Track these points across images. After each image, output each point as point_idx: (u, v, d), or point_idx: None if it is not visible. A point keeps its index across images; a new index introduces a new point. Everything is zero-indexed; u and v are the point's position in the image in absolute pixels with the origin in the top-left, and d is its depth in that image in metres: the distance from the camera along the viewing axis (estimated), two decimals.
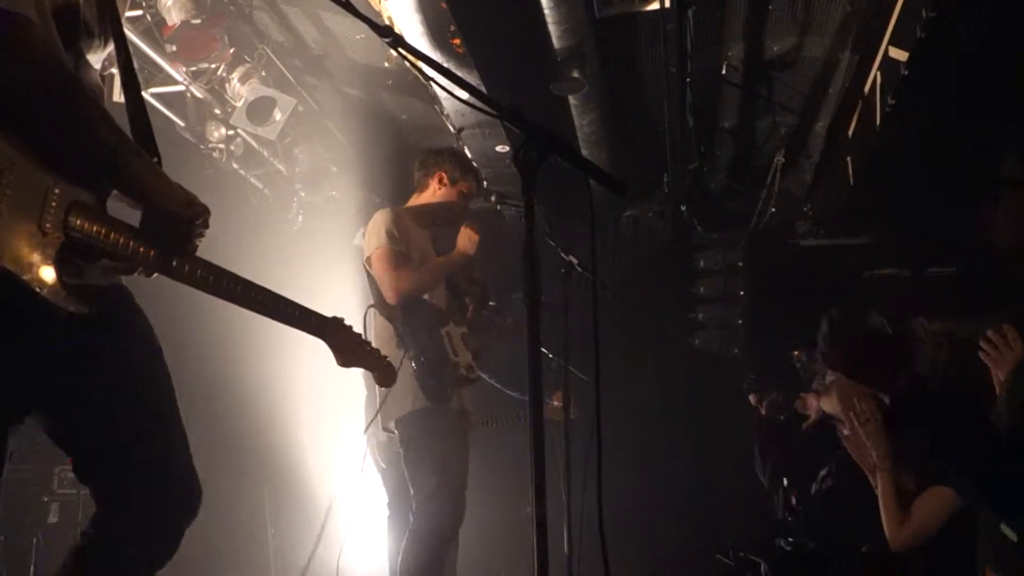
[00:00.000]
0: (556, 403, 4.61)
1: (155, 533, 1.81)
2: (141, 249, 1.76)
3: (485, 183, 4.07)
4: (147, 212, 1.79)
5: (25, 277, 1.54)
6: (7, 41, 1.55)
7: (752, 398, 4.88)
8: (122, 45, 1.92)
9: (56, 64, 1.65)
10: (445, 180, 3.84)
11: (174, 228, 1.79)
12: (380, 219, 3.66)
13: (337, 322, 2.12)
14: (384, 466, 3.79)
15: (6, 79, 1.56)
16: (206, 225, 1.85)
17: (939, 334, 3.55)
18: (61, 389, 1.74)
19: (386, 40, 1.81)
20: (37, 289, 1.56)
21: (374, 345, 3.52)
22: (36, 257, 1.56)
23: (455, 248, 3.76)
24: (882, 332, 1.92)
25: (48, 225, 1.60)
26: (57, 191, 1.62)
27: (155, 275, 1.86)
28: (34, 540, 4.72)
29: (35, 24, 1.60)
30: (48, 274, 1.57)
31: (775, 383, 4.75)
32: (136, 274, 1.86)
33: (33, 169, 1.59)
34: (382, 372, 2.25)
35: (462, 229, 3.78)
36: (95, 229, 1.68)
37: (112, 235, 1.71)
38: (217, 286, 1.88)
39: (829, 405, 3.60)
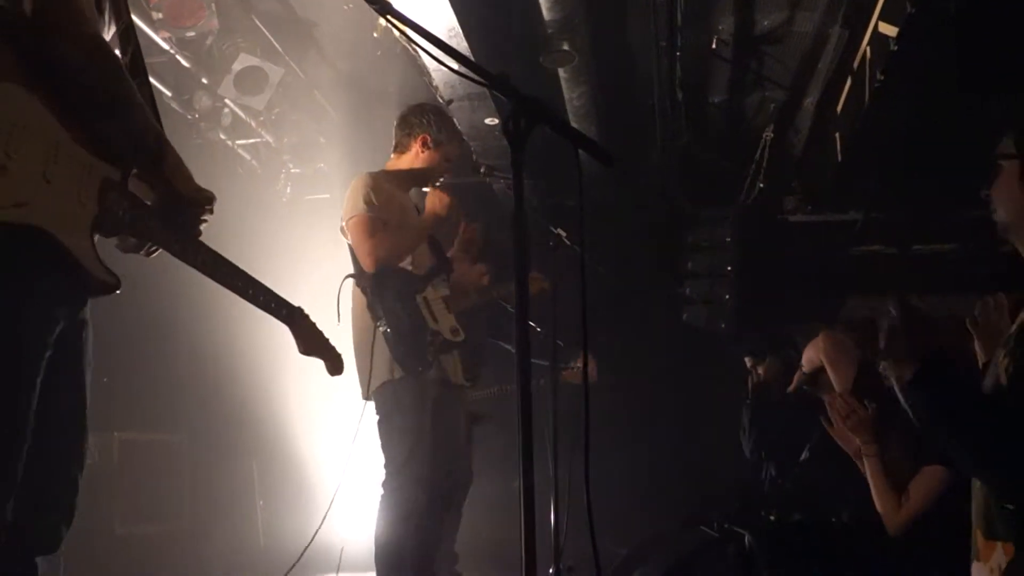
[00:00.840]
0: (576, 366, 4.61)
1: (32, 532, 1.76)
2: (158, 228, 1.86)
3: (475, 156, 4.02)
4: (163, 194, 1.87)
5: (65, 241, 1.63)
6: (57, 21, 1.62)
7: (748, 361, 4.90)
8: (132, 34, 1.97)
9: (106, 47, 1.73)
10: (428, 142, 3.66)
11: (185, 211, 1.90)
12: (357, 185, 3.53)
13: (302, 312, 2.28)
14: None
15: (59, 59, 1.63)
16: (212, 211, 1.95)
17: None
18: (50, 360, 1.74)
19: (375, 6, 1.80)
20: (77, 255, 1.65)
21: (352, 315, 3.55)
22: (75, 225, 1.66)
23: (426, 210, 3.60)
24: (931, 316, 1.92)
25: (85, 197, 1.69)
26: (93, 166, 1.71)
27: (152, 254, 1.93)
28: None
29: (80, 2, 1.68)
30: (84, 242, 1.67)
31: (773, 350, 4.78)
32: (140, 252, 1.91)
33: (74, 144, 1.66)
34: (333, 362, 2.40)
35: (430, 191, 3.62)
36: (124, 205, 1.78)
37: (136, 213, 1.81)
38: (213, 270, 1.98)
39: (808, 355, 3.53)
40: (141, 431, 5.67)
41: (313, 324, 2.32)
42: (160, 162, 1.84)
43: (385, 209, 3.49)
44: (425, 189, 3.75)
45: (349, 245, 3.60)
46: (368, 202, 3.46)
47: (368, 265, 3.44)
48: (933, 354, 1.78)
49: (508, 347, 4.84)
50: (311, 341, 2.31)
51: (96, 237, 1.74)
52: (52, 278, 1.65)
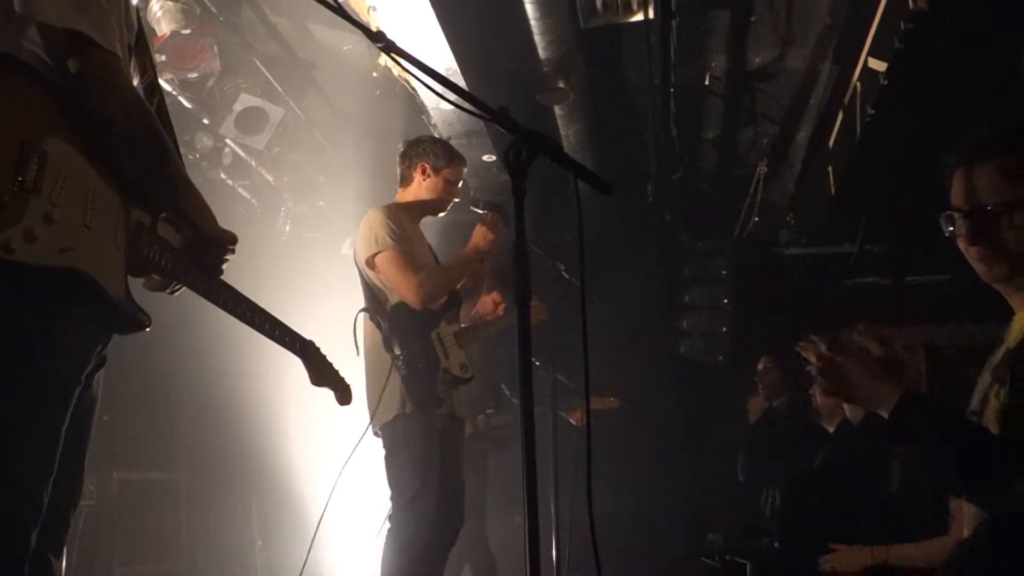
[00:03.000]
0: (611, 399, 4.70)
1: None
2: (185, 269, 1.94)
3: (472, 192, 4.06)
4: (189, 236, 1.94)
5: (103, 282, 1.71)
6: (101, 80, 1.70)
7: (761, 387, 4.95)
8: (156, 87, 2.05)
9: (140, 100, 1.81)
10: (428, 171, 3.69)
11: (209, 251, 1.96)
12: (377, 219, 3.54)
13: (313, 346, 2.41)
14: None
15: (102, 115, 1.71)
16: (234, 251, 2.02)
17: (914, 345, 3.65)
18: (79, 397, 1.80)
19: (379, 45, 1.85)
20: (112, 296, 1.73)
21: (364, 350, 3.57)
22: (112, 267, 1.75)
23: (469, 244, 3.61)
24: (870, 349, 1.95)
25: (119, 241, 1.77)
26: (126, 212, 1.80)
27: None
28: None
29: (121, 60, 1.77)
30: (119, 283, 1.76)
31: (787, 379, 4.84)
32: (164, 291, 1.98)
33: (108, 191, 1.75)
34: (342, 393, 2.51)
35: (478, 226, 3.63)
36: (154, 247, 1.87)
37: (165, 255, 1.90)
38: (234, 307, 2.09)
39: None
40: (140, 470, 5.66)
41: (324, 356, 2.43)
42: (187, 206, 1.91)
43: (404, 239, 3.51)
44: (442, 214, 3.81)
45: (365, 279, 3.60)
46: (394, 236, 3.47)
47: (414, 301, 3.44)
48: (905, 395, 1.80)
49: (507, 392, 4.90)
50: (323, 373, 2.42)
51: (128, 277, 1.82)
52: (90, 316, 1.73)
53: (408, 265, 3.45)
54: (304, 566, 3.39)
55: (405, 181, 3.77)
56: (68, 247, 1.63)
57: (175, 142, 1.98)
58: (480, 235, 3.61)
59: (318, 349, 2.43)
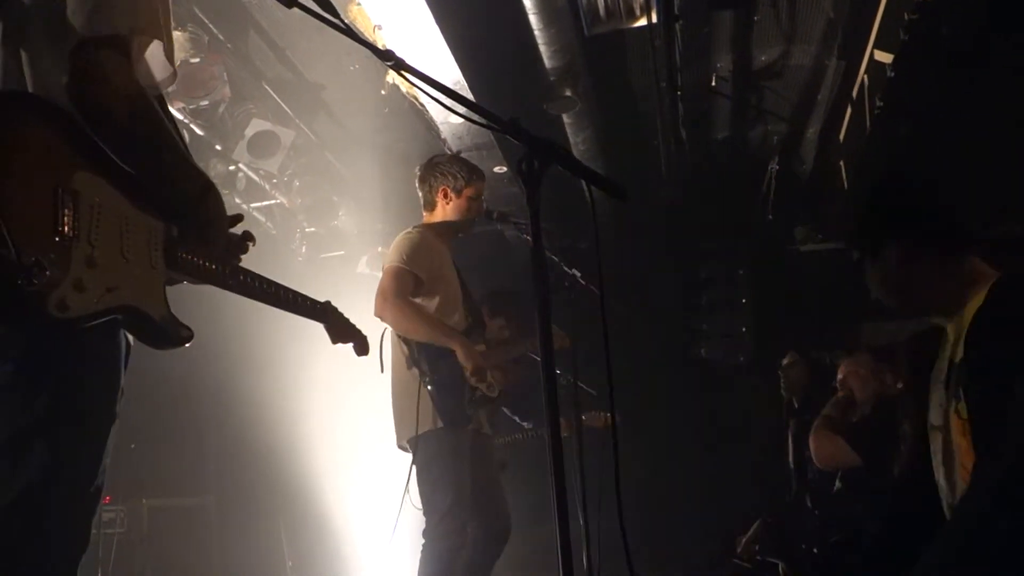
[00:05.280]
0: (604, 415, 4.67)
1: None
2: (215, 271, 1.96)
3: (485, 204, 4.07)
4: (210, 237, 1.93)
5: (148, 310, 1.75)
6: (102, 71, 1.66)
7: (784, 382, 4.94)
8: (176, 132, 2.03)
9: (143, 94, 1.75)
10: (450, 193, 3.74)
11: (230, 249, 1.99)
12: (402, 239, 3.63)
13: (331, 306, 2.47)
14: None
15: (96, 105, 1.68)
16: (254, 243, 2.09)
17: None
18: None
19: (389, 64, 1.87)
20: (157, 319, 1.77)
21: (389, 365, 3.61)
22: (152, 289, 1.77)
23: (466, 350, 3.49)
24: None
25: (155, 261, 1.79)
26: (154, 229, 1.80)
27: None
28: None
29: (142, 85, 1.74)
30: (161, 304, 1.79)
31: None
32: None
33: (137, 212, 1.75)
34: (360, 343, 2.58)
35: (479, 361, 3.51)
36: (189, 259, 1.89)
37: (200, 263, 1.92)
38: (253, 289, 2.11)
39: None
40: (169, 497, 5.69)
41: (341, 314, 2.49)
42: (208, 212, 1.88)
43: (424, 266, 3.57)
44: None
45: None
46: (409, 256, 3.55)
47: (376, 309, 3.51)
48: None
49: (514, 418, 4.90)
50: (341, 329, 2.49)
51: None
52: (126, 347, 1.77)
53: (397, 283, 3.51)
54: None
55: (429, 206, 3.82)
56: (114, 286, 1.66)
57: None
58: (473, 360, 3.50)
59: (335, 308, 2.49)
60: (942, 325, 2.02)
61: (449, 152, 5.27)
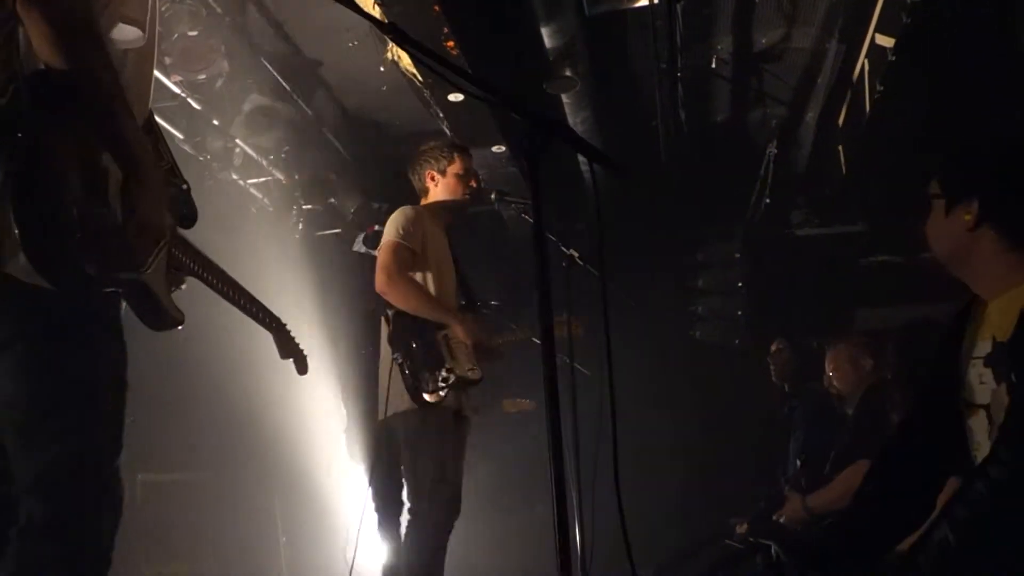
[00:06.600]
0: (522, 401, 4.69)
1: None
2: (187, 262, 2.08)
3: (483, 184, 4.04)
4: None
5: (159, 296, 1.90)
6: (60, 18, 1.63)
7: (772, 368, 4.96)
8: (176, 172, 2.06)
9: (90, 28, 1.71)
10: (436, 176, 3.77)
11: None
12: (398, 215, 3.65)
13: (280, 322, 2.60)
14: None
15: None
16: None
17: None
18: None
19: (390, 36, 1.85)
20: (163, 302, 1.92)
21: (383, 344, 3.62)
22: (158, 277, 1.91)
23: (462, 323, 3.61)
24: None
25: (164, 264, 1.93)
26: (167, 234, 1.93)
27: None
28: None
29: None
30: (166, 296, 1.95)
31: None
32: None
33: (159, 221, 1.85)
34: (301, 363, 2.69)
35: (479, 332, 3.67)
36: (184, 258, 2.06)
37: (192, 258, 2.08)
38: (215, 284, 2.24)
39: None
40: (163, 471, 5.70)
41: (289, 331, 2.63)
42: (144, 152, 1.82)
43: (419, 241, 3.60)
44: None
45: None
46: (406, 231, 3.57)
47: (377, 285, 3.54)
48: None
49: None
50: (287, 346, 2.63)
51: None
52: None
53: (395, 258, 3.52)
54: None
55: (423, 193, 3.85)
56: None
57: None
58: (474, 336, 3.62)
59: (284, 325, 2.62)
60: (982, 299, 1.99)
61: (447, 131, 5.26)
